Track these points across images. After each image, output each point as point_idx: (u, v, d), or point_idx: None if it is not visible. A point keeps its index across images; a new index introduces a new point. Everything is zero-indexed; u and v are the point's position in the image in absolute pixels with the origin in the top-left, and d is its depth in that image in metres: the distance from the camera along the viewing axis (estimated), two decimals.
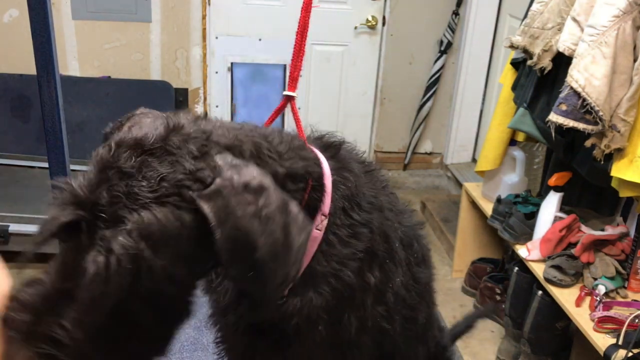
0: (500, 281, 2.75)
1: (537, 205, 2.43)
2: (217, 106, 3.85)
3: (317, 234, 0.97)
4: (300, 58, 1.08)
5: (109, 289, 0.72)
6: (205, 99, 3.83)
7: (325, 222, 0.98)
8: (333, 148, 1.08)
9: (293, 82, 1.12)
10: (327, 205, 0.98)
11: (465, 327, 1.75)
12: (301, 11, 1.06)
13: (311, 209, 0.96)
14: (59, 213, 0.76)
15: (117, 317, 0.76)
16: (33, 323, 0.74)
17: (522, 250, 2.34)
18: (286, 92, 1.12)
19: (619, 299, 2.09)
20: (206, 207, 0.75)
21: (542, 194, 2.55)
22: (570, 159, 2.21)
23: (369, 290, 1.05)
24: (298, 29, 1.08)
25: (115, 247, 0.72)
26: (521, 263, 2.41)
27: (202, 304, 1.80)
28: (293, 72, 1.12)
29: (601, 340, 1.91)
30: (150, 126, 0.82)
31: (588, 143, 1.98)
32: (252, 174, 0.80)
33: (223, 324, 1.17)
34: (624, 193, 1.98)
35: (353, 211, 1.02)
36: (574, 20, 2.04)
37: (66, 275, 0.76)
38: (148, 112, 0.90)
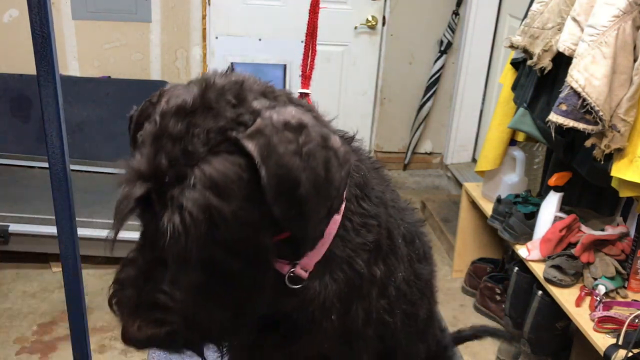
0: (500, 281, 2.75)
1: (537, 205, 2.43)
2: None
3: (337, 217, 0.99)
4: (312, 57, 1.11)
5: (189, 243, 0.76)
6: None
7: (343, 206, 1.00)
8: (346, 140, 1.10)
9: (306, 80, 1.16)
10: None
11: (472, 334, 1.74)
12: (309, 13, 1.10)
13: None
14: (130, 190, 0.80)
15: (209, 272, 0.81)
16: (136, 296, 0.80)
17: (522, 250, 2.34)
18: (301, 90, 1.16)
19: (619, 299, 2.09)
20: (250, 146, 0.78)
21: (542, 194, 2.55)
22: (570, 159, 2.21)
23: (375, 282, 1.07)
24: (307, 30, 1.11)
25: (184, 202, 0.76)
26: (521, 263, 2.41)
27: None
28: (304, 70, 1.16)
29: (601, 340, 1.91)
30: (185, 92, 0.85)
31: (588, 143, 1.98)
32: (291, 112, 0.83)
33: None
34: (624, 193, 1.98)
35: (364, 201, 1.04)
36: (574, 20, 2.04)
37: (152, 244, 0.80)
38: (177, 85, 0.92)
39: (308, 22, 1.10)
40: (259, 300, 0.90)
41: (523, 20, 2.37)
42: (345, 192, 0.99)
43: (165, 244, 0.77)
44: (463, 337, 1.73)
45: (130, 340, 0.83)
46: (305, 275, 0.99)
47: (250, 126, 0.80)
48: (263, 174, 0.78)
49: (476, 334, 1.74)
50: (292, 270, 0.97)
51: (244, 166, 0.79)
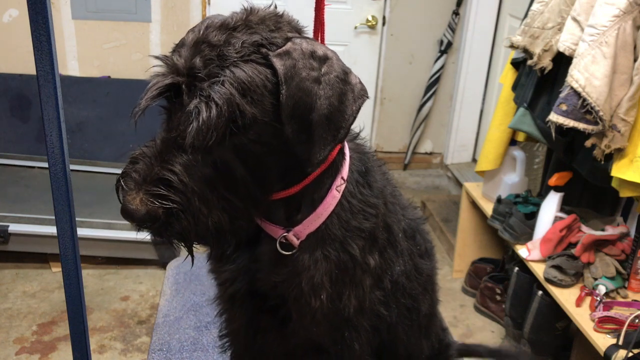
0: (501, 281, 2.75)
1: (537, 205, 2.43)
2: None
3: (337, 194, 1.04)
4: None
5: (210, 130, 0.84)
6: None
7: (343, 186, 1.04)
8: (351, 134, 1.14)
9: None
10: (345, 170, 1.05)
11: (484, 353, 1.71)
12: (315, 10, 1.13)
13: (334, 169, 1.03)
14: (162, 79, 0.88)
15: (217, 170, 0.88)
16: (146, 170, 0.86)
17: (522, 250, 2.34)
18: None
19: (619, 299, 2.09)
20: (277, 63, 0.87)
21: (542, 194, 2.55)
22: (570, 159, 2.21)
23: (368, 271, 1.09)
24: (314, 27, 1.13)
25: (213, 94, 0.84)
26: (521, 263, 2.40)
27: (202, 305, 1.81)
28: None
29: (601, 341, 1.91)
30: (231, 15, 0.94)
31: (588, 143, 1.98)
32: (319, 45, 0.92)
33: (227, 297, 1.19)
34: (624, 193, 1.98)
35: (364, 188, 1.08)
36: (574, 20, 2.04)
37: (173, 127, 0.87)
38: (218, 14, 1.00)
39: (314, 19, 1.12)
40: (253, 213, 0.97)
41: (523, 20, 2.37)
42: (347, 175, 1.05)
43: (187, 129, 0.84)
44: (474, 352, 1.71)
45: (130, 212, 0.86)
46: (296, 242, 1.03)
47: (281, 46, 0.89)
48: (283, 91, 0.87)
49: (489, 354, 1.71)
50: (285, 235, 1.02)
51: (270, 78, 0.87)
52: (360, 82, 0.95)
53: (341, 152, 1.05)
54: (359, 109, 0.94)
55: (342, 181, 1.04)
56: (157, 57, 0.92)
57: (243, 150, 0.89)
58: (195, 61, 0.86)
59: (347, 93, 0.91)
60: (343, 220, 1.05)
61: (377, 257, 1.11)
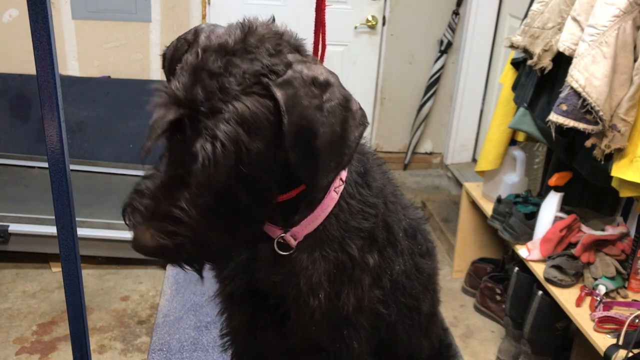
0: (501, 281, 2.75)
1: (537, 205, 2.43)
2: None
3: (335, 196, 1.04)
4: (322, 52, 1.12)
5: (217, 170, 0.84)
6: None
7: (342, 188, 1.05)
8: None
9: None
10: (344, 172, 1.05)
11: None
12: (315, 11, 1.12)
13: None
14: (165, 113, 0.86)
15: (223, 198, 0.89)
16: (153, 206, 0.87)
17: (522, 250, 2.34)
18: None
19: (619, 299, 2.09)
20: (278, 93, 0.86)
21: (542, 194, 2.55)
22: (570, 159, 2.21)
23: (367, 270, 1.10)
24: (315, 27, 1.12)
25: (219, 133, 0.83)
26: (521, 263, 2.40)
27: (202, 305, 1.81)
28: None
29: (601, 341, 1.91)
30: (227, 32, 0.92)
31: (588, 143, 1.98)
32: (320, 70, 0.91)
33: (225, 295, 1.20)
34: (624, 193, 1.98)
35: (363, 189, 1.08)
36: (574, 20, 2.04)
37: (178, 164, 0.87)
38: (215, 24, 0.99)
39: (315, 19, 1.12)
40: (257, 230, 1.00)
41: (523, 20, 2.37)
42: (345, 176, 1.05)
43: (193, 167, 0.85)
44: None
45: (141, 247, 0.89)
46: (293, 243, 1.04)
47: (281, 75, 0.88)
48: (285, 121, 0.86)
49: None
50: (282, 235, 1.03)
51: (272, 110, 0.87)
52: (361, 109, 0.95)
53: None
54: (361, 135, 0.95)
55: (341, 182, 1.05)
56: (156, 87, 0.90)
57: (247, 180, 0.89)
58: (197, 92, 0.85)
59: (348, 120, 0.92)
60: (341, 221, 1.05)
61: (377, 256, 1.11)
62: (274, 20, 0.98)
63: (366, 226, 1.07)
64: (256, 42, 0.90)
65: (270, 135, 0.88)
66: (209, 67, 0.87)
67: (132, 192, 0.91)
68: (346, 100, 0.92)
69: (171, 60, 1.00)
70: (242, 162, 0.86)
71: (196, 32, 0.97)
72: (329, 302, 1.07)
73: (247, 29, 0.93)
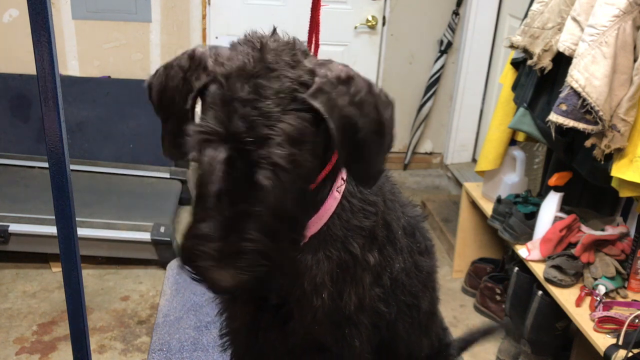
0: (500, 281, 2.75)
1: (537, 205, 2.43)
2: None
3: (337, 196, 1.05)
4: (315, 51, 1.13)
5: (285, 194, 0.86)
6: None
7: (343, 187, 1.06)
8: None
9: None
10: (344, 171, 1.06)
11: (477, 338, 1.73)
12: (310, 11, 1.12)
13: (335, 171, 1.04)
14: (215, 153, 0.85)
15: (285, 220, 0.90)
16: (223, 246, 0.85)
17: (522, 250, 2.34)
18: None
19: (619, 299, 2.09)
20: (316, 104, 0.87)
21: (542, 194, 2.55)
22: (570, 159, 2.21)
23: (368, 269, 1.10)
24: (309, 27, 1.13)
25: (277, 159, 0.83)
26: (521, 263, 2.40)
27: (202, 305, 1.81)
28: None
29: (601, 340, 1.91)
30: (238, 53, 0.91)
31: (588, 143, 1.98)
32: (338, 67, 0.93)
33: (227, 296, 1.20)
34: (624, 193, 1.98)
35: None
36: (574, 20, 2.04)
37: (239, 199, 0.86)
38: (212, 46, 0.97)
39: (310, 19, 1.12)
40: (304, 234, 1.00)
41: (523, 20, 2.37)
42: (346, 175, 1.06)
43: (259, 197, 0.85)
44: (469, 342, 1.72)
45: (223, 289, 0.89)
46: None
47: (310, 85, 0.89)
48: (331, 125, 0.88)
49: (472, 338, 1.73)
50: None
51: (312, 121, 0.88)
52: (382, 90, 0.98)
53: None
54: (393, 112, 0.98)
55: (342, 182, 1.05)
56: (190, 129, 0.87)
57: (304, 193, 0.93)
58: (237, 124, 0.84)
59: (378, 103, 0.95)
60: (344, 220, 1.06)
61: (377, 255, 1.11)
62: (275, 31, 0.98)
63: (367, 224, 1.08)
64: (274, 58, 0.90)
65: (313, 145, 0.89)
66: (239, 95, 0.86)
67: (189, 239, 0.88)
68: (370, 86, 0.95)
69: (163, 90, 0.97)
70: (302, 178, 0.89)
71: (192, 57, 0.94)
72: (332, 301, 1.07)
73: (260, 47, 0.91)
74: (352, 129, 0.90)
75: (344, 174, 1.05)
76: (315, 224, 1.03)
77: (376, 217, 1.09)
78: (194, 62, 0.94)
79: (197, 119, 0.89)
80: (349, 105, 0.90)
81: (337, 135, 0.88)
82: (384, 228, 1.13)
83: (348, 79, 0.92)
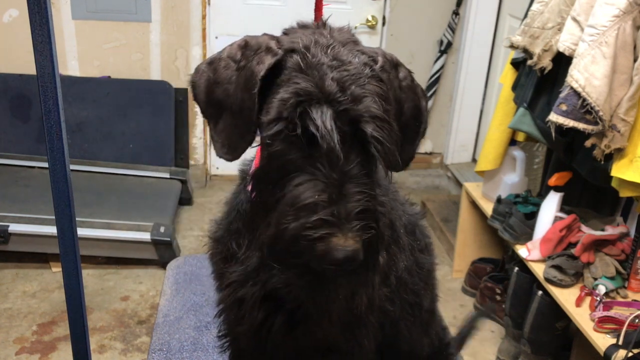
0: (500, 281, 2.75)
1: (537, 205, 2.43)
2: None
3: None
4: None
5: (393, 142, 0.90)
6: None
7: None
8: None
9: None
10: None
11: (468, 330, 1.74)
12: (314, 11, 1.16)
13: None
14: (322, 112, 0.86)
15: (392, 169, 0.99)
16: (340, 209, 0.84)
17: (522, 250, 2.34)
18: None
19: (619, 299, 2.09)
20: (384, 77, 0.94)
21: (542, 194, 2.55)
22: (570, 159, 2.21)
23: (377, 269, 1.09)
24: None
25: (377, 112, 0.88)
26: (521, 263, 2.41)
27: (202, 305, 1.81)
28: None
29: (601, 340, 1.91)
30: (301, 34, 0.96)
31: (588, 143, 1.98)
32: (386, 52, 1.00)
33: (234, 300, 1.16)
34: (624, 193, 1.98)
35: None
36: (574, 20, 2.04)
37: (343, 160, 0.87)
38: (262, 34, 0.98)
39: (314, 19, 1.13)
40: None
41: (523, 20, 2.37)
42: None
43: (370, 151, 0.88)
44: (464, 336, 1.73)
45: (349, 257, 0.83)
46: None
47: (376, 61, 0.96)
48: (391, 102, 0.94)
49: (464, 334, 1.73)
50: None
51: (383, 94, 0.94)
52: (418, 84, 1.04)
53: None
54: (427, 104, 1.04)
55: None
56: (277, 98, 0.88)
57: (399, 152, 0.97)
58: (331, 85, 0.87)
59: (418, 92, 1.01)
60: None
61: (385, 255, 1.11)
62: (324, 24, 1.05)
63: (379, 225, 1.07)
64: (340, 36, 0.97)
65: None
66: (324, 61, 0.90)
67: (297, 210, 0.85)
68: (411, 75, 1.01)
69: (213, 84, 0.96)
70: (397, 137, 0.92)
71: (246, 46, 0.95)
72: (346, 302, 1.06)
73: (325, 26, 1.00)
74: (399, 111, 0.97)
75: None
76: None
77: (385, 218, 1.08)
78: (249, 49, 0.95)
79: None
80: (398, 90, 0.98)
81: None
82: (389, 227, 1.13)
83: (396, 64, 0.99)
